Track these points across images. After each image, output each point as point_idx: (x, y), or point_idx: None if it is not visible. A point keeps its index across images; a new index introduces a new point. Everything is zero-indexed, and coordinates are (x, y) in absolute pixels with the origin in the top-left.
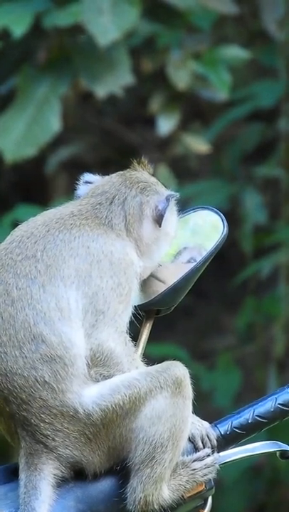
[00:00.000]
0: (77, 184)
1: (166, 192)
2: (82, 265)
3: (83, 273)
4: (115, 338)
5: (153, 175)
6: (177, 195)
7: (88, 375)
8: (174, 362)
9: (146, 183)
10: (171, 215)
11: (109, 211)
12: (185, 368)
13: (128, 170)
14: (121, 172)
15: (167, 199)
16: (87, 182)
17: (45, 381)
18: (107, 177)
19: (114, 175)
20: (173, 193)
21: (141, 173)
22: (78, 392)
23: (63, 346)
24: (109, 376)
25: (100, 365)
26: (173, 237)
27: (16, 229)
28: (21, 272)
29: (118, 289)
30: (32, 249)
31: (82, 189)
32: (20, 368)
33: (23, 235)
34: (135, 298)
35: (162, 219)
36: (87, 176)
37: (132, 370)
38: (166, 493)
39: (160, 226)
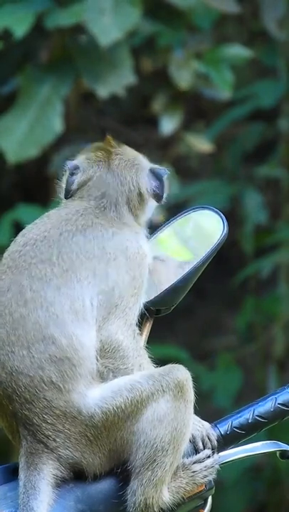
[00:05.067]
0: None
1: (153, 167)
2: (99, 265)
3: (100, 272)
4: (124, 331)
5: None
6: (166, 171)
7: (94, 375)
8: (177, 365)
9: (133, 167)
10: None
11: (116, 212)
12: (187, 371)
13: (105, 155)
14: (100, 160)
15: (159, 178)
16: (73, 173)
17: (52, 381)
18: (92, 170)
19: (97, 168)
20: (161, 169)
21: (118, 154)
22: (83, 393)
23: (73, 348)
24: (114, 369)
25: (106, 356)
26: None
27: (25, 231)
28: (36, 275)
29: (132, 283)
30: (47, 253)
31: (72, 181)
32: (26, 367)
33: (36, 239)
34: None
35: (162, 198)
36: (72, 166)
37: (136, 365)
38: (166, 496)
39: (161, 203)
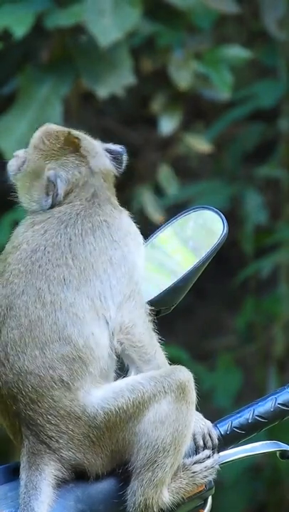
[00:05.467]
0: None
1: (107, 147)
2: (114, 254)
3: (117, 258)
4: (140, 308)
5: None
6: (122, 149)
7: (102, 374)
8: (179, 366)
9: (102, 158)
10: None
11: (110, 204)
12: (190, 372)
13: (80, 158)
14: (78, 166)
15: (118, 158)
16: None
17: (62, 379)
18: (76, 178)
19: (79, 174)
20: (117, 147)
21: (87, 152)
22: (89, 391)
23: (88, 348)
24: (129, 347)
25: (124, 332)
26: None
27: (23, 237)
28: (55, 278)
29: (142, 260)
30: (61, 258)
31: (58, 193)
32: (37, 367)
33: (45, 245)
34: None
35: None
36: (54, 178)
37: (151, 346)
38: (166, 496)
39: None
